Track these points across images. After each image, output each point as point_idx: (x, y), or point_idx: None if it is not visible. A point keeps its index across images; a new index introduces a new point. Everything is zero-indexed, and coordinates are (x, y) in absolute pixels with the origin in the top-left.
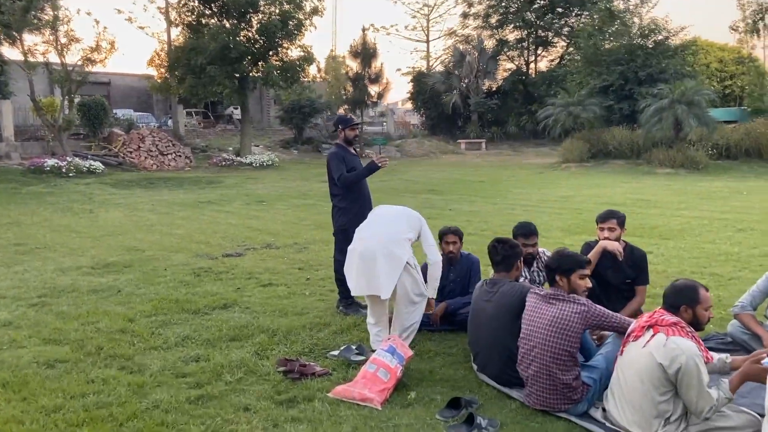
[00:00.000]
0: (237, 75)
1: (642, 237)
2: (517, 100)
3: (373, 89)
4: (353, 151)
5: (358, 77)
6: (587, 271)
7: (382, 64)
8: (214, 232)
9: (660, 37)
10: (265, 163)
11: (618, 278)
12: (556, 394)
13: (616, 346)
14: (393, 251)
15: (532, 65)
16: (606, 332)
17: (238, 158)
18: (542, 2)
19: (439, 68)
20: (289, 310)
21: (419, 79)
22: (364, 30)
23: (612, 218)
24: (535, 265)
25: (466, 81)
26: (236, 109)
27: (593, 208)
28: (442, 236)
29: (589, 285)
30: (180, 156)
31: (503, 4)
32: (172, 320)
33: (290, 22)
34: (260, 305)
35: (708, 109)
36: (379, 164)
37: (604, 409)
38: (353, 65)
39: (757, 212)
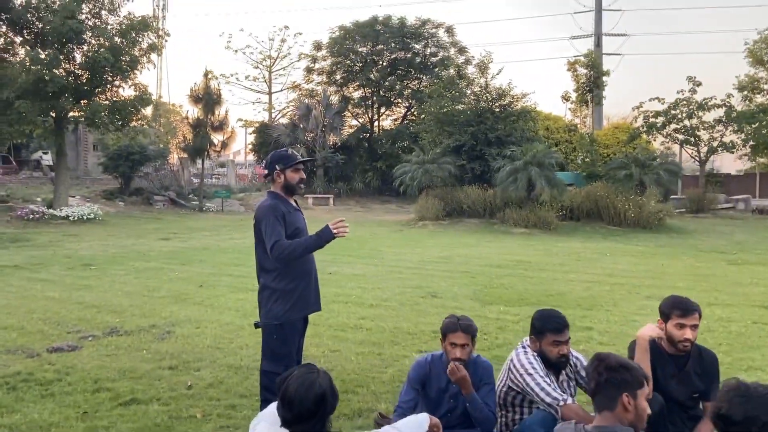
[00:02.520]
0: (53, 113)
1: (562, 307)
2: (362, 156)
3: (216, 137)
4: (295, 203)
5: (200, 123)
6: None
7: (227, 112)
8: (29, 311)
9: (505, 102)
10: (85, 217)
11: (684, 392)
12: None
13: None
14: None
15: (376, 123)
16: None
17: (51, 210)
18: (384, 64)
19: (283, 121)
20: None
21: (263, 130)
22: (206, 74)
23: (694, 312)
24: (568, 371)
25: (311, 135)
26: (45, 153)
27: (481, 271)
28: (446, 335)
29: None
30: None
31: (347, 62)
32: None
33: (123, 58)
34: None
35: (555, 171)
36: (335, 233)
37: None
38: (193, 111)
39: (641, 275)
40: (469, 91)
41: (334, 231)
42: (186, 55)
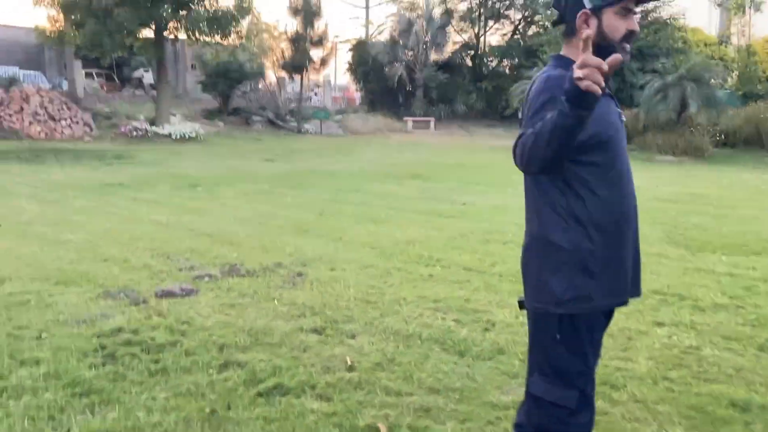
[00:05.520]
0: (153, 24)
1: None
2: (465, 76)
3: (316, 53)
4: (608, 88)
5: (299, 38)
6: None
7: (326, 25)
8: (134, 238)
9: (649, 7)
10: (187, 135)
11: None
12: None
13: None
14: None
15: (482, 38)
16: None
17: (153, 128)
18: None
19: (381, 38)
20: None
21: (360, 48)
22: None
23: None
24: None
25: (412, 52)
26: (147, 71)
27: (653, 206)
28: None
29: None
30: (77, 123)
31: None
32: None
33: None
34: None
35: (717, 89)
36: (584, 85)
37: None
38: (291, 24)
39: None
40: None
41: (579, 75)
42: None
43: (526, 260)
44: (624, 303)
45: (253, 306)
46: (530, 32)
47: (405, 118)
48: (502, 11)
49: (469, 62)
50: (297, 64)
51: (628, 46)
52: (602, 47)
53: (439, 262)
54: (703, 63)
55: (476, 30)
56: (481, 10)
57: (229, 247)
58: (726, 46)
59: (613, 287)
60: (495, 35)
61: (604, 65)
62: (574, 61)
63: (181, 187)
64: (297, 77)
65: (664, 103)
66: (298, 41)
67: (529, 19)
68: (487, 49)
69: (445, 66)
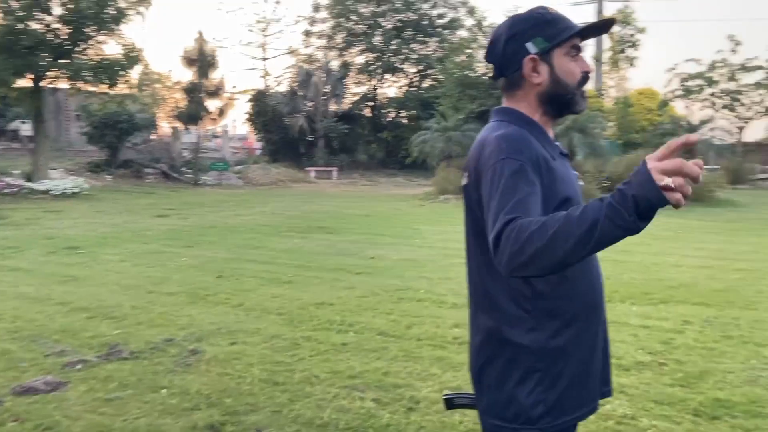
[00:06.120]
0: (30, 72)
1: (698, 305)
2: (365, 126)
3: (212, 104)
4: (554, 142)
5: (194, 88)
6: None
7: (223, 76)
8: None
9: None
10: (69, 191)
11: None
12: None
13: None
14: None
15: (380, 90)
16: None
17: (29, 184)
18: (389, 27)
19: (280, 89)
20: None
21: (259, 98)
22: (200, 35)
23: None
24: None
25: (312, 103)
26: (24, 122)
27: None
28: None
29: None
30: None
31: (349, 24)
32: None
33: (108, 10)
34: None
35: (600, 139)
36: (667, 194)
37: None
38: (184, 76)
39: (753, 258)
40: (483, 53)
41: (669, 184)
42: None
43: (480, 364)
44: (596, 408)
45: (135, 399)
46: (425, 85)
47: (307, 168)
48: (397, 65)
49: (368, 113)
50: (192, 115)
51: (586, 93)
52: (557, 97)
53: (352, 327)
54: (588, 114)
55: (374, 82)
56: (378, 63)
57: (109, 323)
58: (603, 99)
59: (587, 393)
60: (392, 87)
61: (697, 169)
62: (524, 115)
63: (56, 251)
64: (193, 128)
65: None
66: (193, 92)
67: (423, 73)
68: (385, 101)
69: (345, 117)
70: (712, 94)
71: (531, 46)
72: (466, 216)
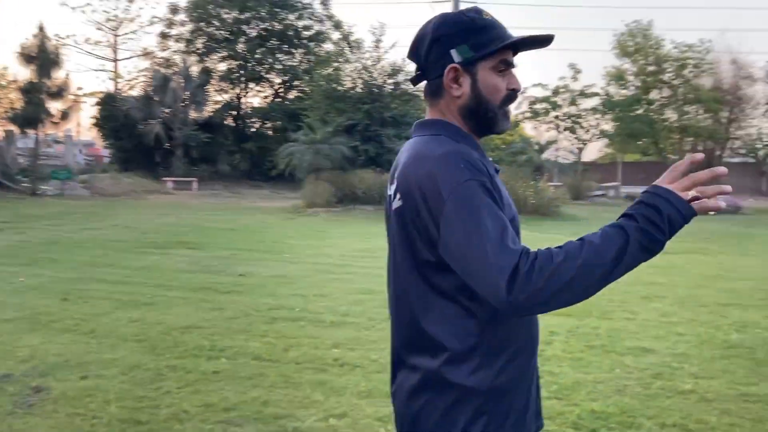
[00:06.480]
0: None
1: (571, 316)
2: (228, 136)
3: (55, 106)
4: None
5: (33, 88)
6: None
7: (67, 76)
8: None
9: (400, 80)
10: None
11: None
12: None
13: None
14: None
15: (244, 100)
16: None
17: None
18: (253, 35)
19: (133, 93)
20: None
21: (109, 102)
22: (41, 29)
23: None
24: None
25: (169, 110)
26: None
27: None
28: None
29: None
30: None
31: (210, 29)
32: None
33: None
34: None
35: None
36: (705, 204)
37: None
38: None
39: None
40: (350, 68)
41: (694, 194)
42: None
43: (416, 411)
44: None
45: None
46: (291, 96)
47: (164, 179)
48: (262, 74)
49: (231, 122)
50: (30, 118)
51: (510, 111)
52: (478, 114)
53: (224, 353)
54: None
55: (237, 91)
56: (241, 72)
57: None
58: None
59: (526, 429)
60: (257, 97)
61: (708, 172)
62: (459, 128)
63: None
64: (31, 132)
65: None
66: (31, 92)
67: (289, 84)
68: (249, 110)
69: (206, 125)
70: (557, 117)
71: (455, 54)
72: (397, 241)
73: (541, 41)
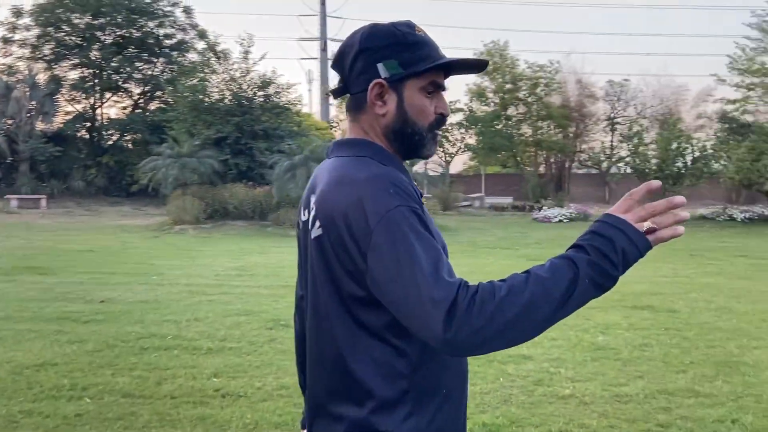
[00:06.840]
0: None
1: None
2: (82, 149)
3: None
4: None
5: None
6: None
7: None
8: None
9: (270, 92)
10: None
11: None
12: None
13: None
14: None
15: (99, 110)
16: None
17: None
18: (109, 42)
19: None
20: None
21: None
22: None
23: None
24: None
25: (12, 121)
26: None
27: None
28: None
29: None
30: None
31: (59, 35)
32: None
33: None
34: None
35: None
36: (659, 235)
37: None
38: None
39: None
40: (217, 79)
41: (651, 225)
42: None
43: None
44: None
45: None
46: (153, 107)
47: (7, 196)
48: (120, 83)
49: (85, 134)
50: None
51: (439, 135)
52: (403, 136)
53: (87, 392)
54: (324, 145)
55: (92, 101)
56: (96, 81)
57: None
58: (334, 131)
59: None
60: (114, 108)
61: (668, 201)
62: (384, 149)
63: None
64: None
65: (293, 181)
66: None
67: (150, 94)
68: (106, 122)
69: (56, 138)
70: None
71: (382, 69)
72: (318, 274)
73: (474, 66)
